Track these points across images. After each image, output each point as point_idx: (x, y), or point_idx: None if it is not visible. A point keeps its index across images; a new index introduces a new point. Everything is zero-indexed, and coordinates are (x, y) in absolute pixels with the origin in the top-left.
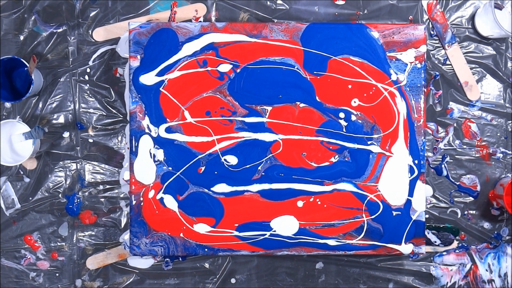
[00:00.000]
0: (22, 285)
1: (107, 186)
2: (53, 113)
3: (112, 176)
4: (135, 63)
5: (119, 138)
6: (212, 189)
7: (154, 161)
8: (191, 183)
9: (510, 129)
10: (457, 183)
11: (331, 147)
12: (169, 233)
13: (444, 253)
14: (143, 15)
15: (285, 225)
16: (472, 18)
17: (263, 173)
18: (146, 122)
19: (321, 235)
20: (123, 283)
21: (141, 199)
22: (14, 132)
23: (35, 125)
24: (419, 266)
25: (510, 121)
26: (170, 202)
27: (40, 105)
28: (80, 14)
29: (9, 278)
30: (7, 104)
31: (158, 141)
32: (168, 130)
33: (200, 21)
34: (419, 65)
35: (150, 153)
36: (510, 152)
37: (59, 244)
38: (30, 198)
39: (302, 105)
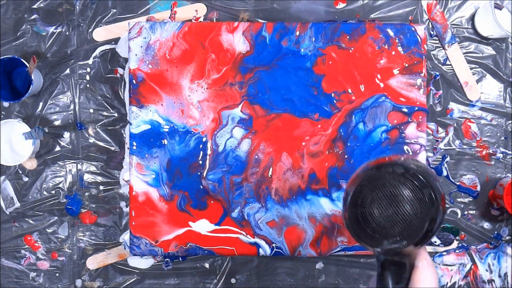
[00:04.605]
0: (22, 285)
1: (107, 186)
2: (53, 113)
3: (112, 176)
4: None
5: (119, 138)
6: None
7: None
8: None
9: (510, 129)
10: (457, 183)
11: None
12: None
13: (444, 253)
14: (143, 15)
15: None
16: (472, 18)
17: None
18: None
19: None
20: (123, 283)
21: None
22: (14, 132)
23: (35, 125)
24: None
25: (510, 121)
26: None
27: (40, 105)
28: (80, 14)
29: (9, 278)
30: (6, 104)
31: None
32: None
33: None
34: None
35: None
36: (510, 152)
37: (59, 244)
38: (30, 198)
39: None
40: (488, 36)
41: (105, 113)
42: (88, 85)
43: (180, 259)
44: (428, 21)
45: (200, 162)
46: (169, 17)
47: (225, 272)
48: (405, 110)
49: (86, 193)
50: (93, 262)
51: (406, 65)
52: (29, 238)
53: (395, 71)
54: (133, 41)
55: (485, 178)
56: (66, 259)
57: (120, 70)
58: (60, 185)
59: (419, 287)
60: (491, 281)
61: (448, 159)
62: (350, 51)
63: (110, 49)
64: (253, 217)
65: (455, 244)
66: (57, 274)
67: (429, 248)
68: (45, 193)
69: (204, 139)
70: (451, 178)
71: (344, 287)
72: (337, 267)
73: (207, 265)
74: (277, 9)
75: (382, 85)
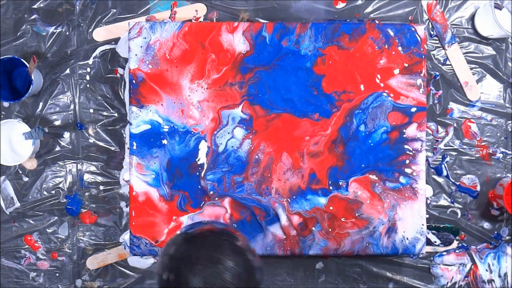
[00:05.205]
0: (22, 285)
1: (107, 186)
2: (53, 113)
3: (112, 176)
4: None
5: (119, 138)
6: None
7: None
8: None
9: (510, 129)
10: (457, 183)
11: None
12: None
13: (444, 253)
14: (143, 15)
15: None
16: (472, 18)
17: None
18: None
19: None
20: (123, 283)
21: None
22: (14, 132)
23: (35, 125)
24: (419, 266)
25: (510, 121)
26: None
27: (40, 105)
28: (80, 14)
29: (9, 278)
30: (6, 104)
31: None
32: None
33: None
34: None
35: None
36: (510, 152)
37: (59, 244)
38: (30, 198)
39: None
40: (488, 36)
41: (105, 113)
42: (88, 85)
43: None
44: (428, 21)
45: (199, 162)
46: (169, 17)
47: None
48: (405, 110)
49: (86, 193)
50: (93, 262)
51: (406, 65)
52: (29, 238)
53: (395, 71)
54: (133, 41)
55: (485, 178)
56: (66, 259)
57: (120, 70)
58: (60, 185)
59: None
60: (491, 281)
61: (448, 159)
62: (350, 51)
63: (110, 49)
64: None
65: (455, 244)
66: (57, 274)
67: (429, 248)
68: (45, 193)
69: (203, 140)
70: (451, 178)
71: (344, 287)
72: (337, 267)
73: None
74: (277, 9)
75: (382, 85)
